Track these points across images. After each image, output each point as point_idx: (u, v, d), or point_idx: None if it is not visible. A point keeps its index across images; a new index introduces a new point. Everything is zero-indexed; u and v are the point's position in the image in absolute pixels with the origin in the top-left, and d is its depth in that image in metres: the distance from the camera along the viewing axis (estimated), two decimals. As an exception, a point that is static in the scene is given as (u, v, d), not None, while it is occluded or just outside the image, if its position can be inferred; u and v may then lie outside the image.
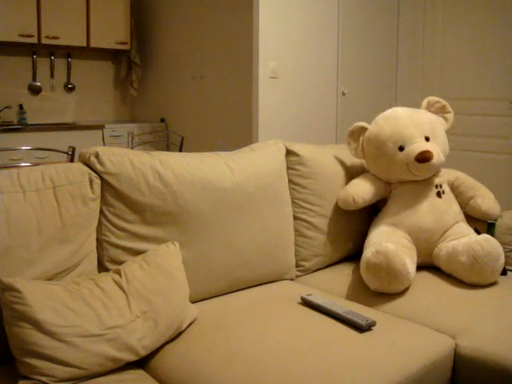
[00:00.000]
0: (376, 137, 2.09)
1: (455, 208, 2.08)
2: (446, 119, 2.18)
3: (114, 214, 1.59)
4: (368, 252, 1.82)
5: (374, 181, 2.12)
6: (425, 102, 2.19)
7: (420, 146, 1.99)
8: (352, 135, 2.18)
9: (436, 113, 2.17)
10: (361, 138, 2.16)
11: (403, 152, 2.01)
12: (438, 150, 2.02)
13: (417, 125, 2.05)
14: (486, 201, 2.14)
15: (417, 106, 2.23)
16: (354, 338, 1.47)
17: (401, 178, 2.06)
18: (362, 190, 2.07)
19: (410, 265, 1.81)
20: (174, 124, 4.88)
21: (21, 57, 4.73)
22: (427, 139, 2.03)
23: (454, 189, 2.16)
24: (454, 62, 4.52)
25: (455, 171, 2.21)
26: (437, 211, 2.01)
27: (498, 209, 2.16)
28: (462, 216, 2.09)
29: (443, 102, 2.18)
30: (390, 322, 1.61)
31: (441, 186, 2.07)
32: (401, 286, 1.78)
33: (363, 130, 2.16)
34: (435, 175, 2.09)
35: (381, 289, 1.80)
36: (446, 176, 2.15)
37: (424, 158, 1.95)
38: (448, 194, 2.09)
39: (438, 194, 2.05)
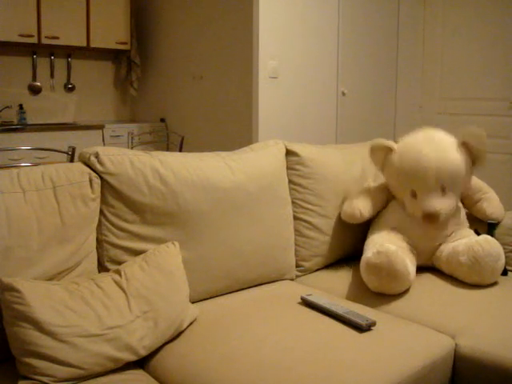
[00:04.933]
0: (396, 170, 1.99)
1: (459, 215, 2.07)
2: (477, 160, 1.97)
3: (114, 214, 1.59)
4: (368, 252, 1.82)
5: (377, 194, 2.10)
6: (460, 140, 1.95)
7: (430, 204, 1.88)
8: (373, 152, 2.08)
9: (470, 149, 1.95)
10: (383, 156, 2.05)
11: (415, 201, 1.93)
12: (451, 203, 1.92)
13: (437, 168, 1.89)
14: (491, 204, 2.14)
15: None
16: (354, 338, 1.47)
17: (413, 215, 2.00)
18: (367, 204, 2.05)
19: (411, 266, 1.81)
20: (174, 124, 4.88)
21: (21, 57, 4.73)
22: (443, 190, 1.91)
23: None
24: (454, 62, 4.52)
25: None
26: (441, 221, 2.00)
27: (502, 212, 2.17)
28: (466, 223, 2.08)
29: (479, 142, 1.94)
30: (390, 321, 1.61)
31: None
32: (401, 287, 1.78)
33: (388, 149, 2.03)
34: None
35: (380, 289, 1.80)
36: None
37: (429, 220, 1.89)
38: None
39: None
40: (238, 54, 4.02)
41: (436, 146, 1.93)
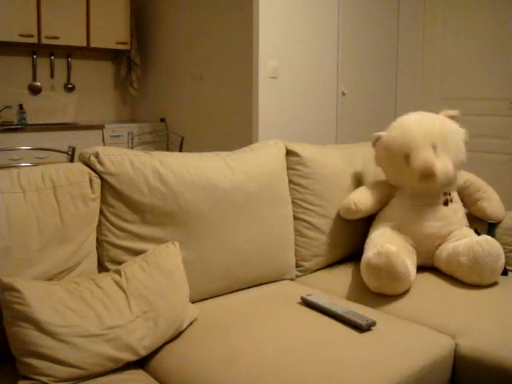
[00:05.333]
0: (385, 145, 2.05)
1: (460, 215, 2.06)
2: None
3: (114, 214, 1.59)
4: (369, 252, 1.82)
5: (377, 189, 2.10)
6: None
7: (423, 158, 1.91)
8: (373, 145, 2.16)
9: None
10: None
11: (409, 164, 1.95)
12: (446, 161, 1.93)
13: (423, 130, 1.96)
14: (492, 204, 2.14)
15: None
16: (354, 338, 1.47)
17: (411, 187, 2.02)
18: (363, 197, 2.06)
19: (411, 267, 1.81)
20: (174, 124, 4.88)
21: (21, 57, 4.73)
22: (434, 148, 1.94)
23: (462, 190, 2.15)
24: (454, 62, 4.52)
25: (465, 173, 2.19)
26: (442, 219, 1.99)
27: (503, 212, 2.17)
28: (465, 221, 2.08)
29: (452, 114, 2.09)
30: (390, 322, 1.61)
31: (449, 194, 2.04)
32: (401, 288, 1.78)
33: (377, 138, 2.13)
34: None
35: (380, 289, 1.80)
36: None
37: (426, 176, 1.89)
38: (456, 202, 2.07)
39: (446, 203, 2.02)
40: (238, 54, 4.02)
41: (421, 116, 2.03)
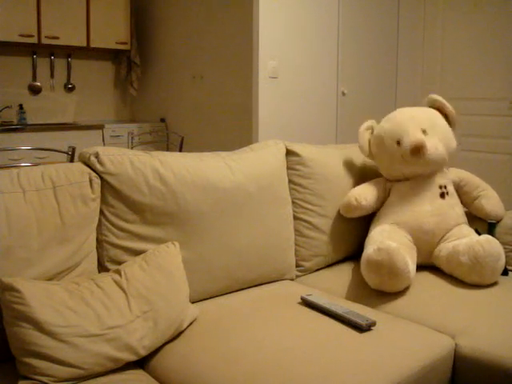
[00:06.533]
0: (377, 135, 2.14)
1: (458, 210, 2.07)
2: (446, 118, 2.16)
3: (114, 214, 1.59)
4: (369, 249, 1.82)
5: (375, 186, 2.12)
6: (425, 100, 2.22)
7: (413, 136, 2.00)
8: (361, 135, 2.21)
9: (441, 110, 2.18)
10: (369, 137, 2.21)
11: (400, 145, 2.04)
12: (436, 142, 2.02)
13: (413, 118, 2.07)
14: (491, 202, 2.14)
15: (416, 106, 2.23)
16: (354, 338, 1.47)
17: (404, 172, 2.06)
18: (363, 192, 2.09)
19: (411, 264, 1.81)
20: (173, 124, 4.88)
21: (21, 57, 4.73)
22: (424, 132, 2.04)
23: (459, 188, 2.16)
24: (454, 62, 4.52)
25: (462, 171, 2.20)
26: (439, 213, 2.00)
27: (502, 210, 2.16)
28: (464, 218, 2.08)
29: (441, 100, 2.17)
30: (390, 322, 1.61)
31: (445, 187, 2.06)
32: (401, 285, 1.78)
33: (371, 127, 2.22)
34: (438, 173, 2.07)
35: (380, 286, 1.79)
36: (451, 176, 2.14)
37: (417, 149, 1.97)
38: (452, 196, 2.08)
39: (442, 195, 2.03)
40: (238, 54, 4.02)
41: (409, 109, 2.16)
